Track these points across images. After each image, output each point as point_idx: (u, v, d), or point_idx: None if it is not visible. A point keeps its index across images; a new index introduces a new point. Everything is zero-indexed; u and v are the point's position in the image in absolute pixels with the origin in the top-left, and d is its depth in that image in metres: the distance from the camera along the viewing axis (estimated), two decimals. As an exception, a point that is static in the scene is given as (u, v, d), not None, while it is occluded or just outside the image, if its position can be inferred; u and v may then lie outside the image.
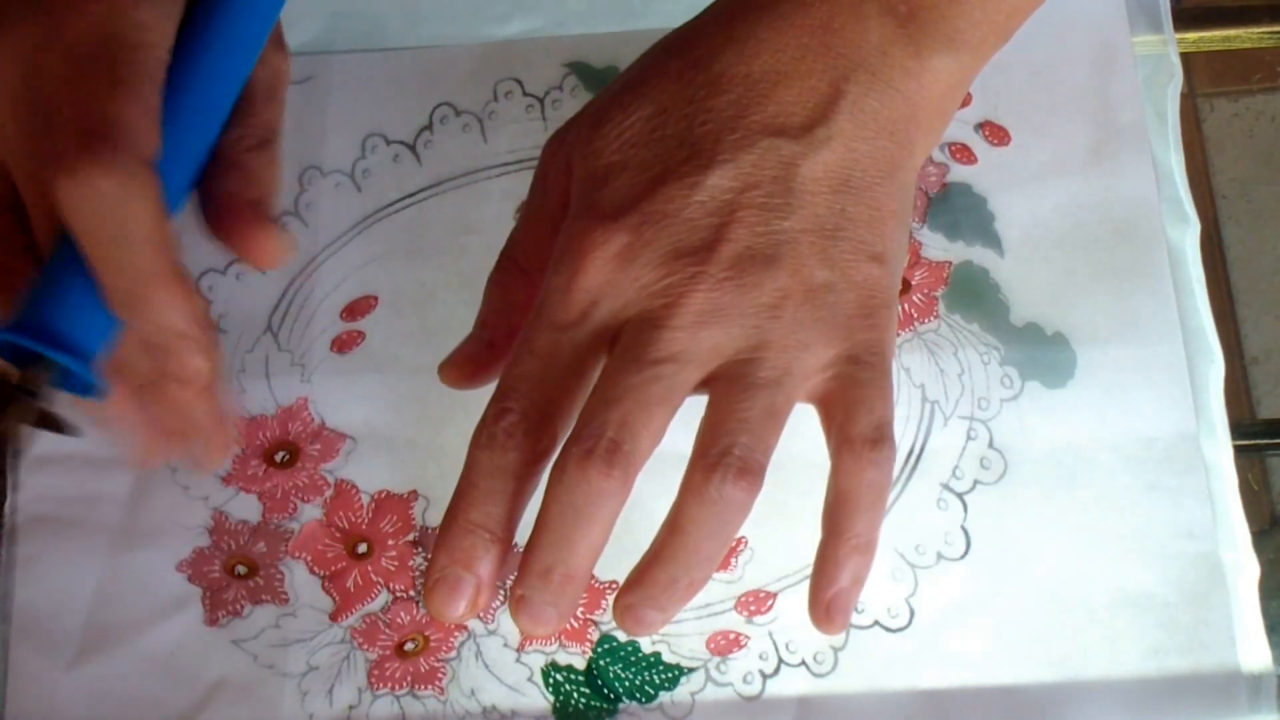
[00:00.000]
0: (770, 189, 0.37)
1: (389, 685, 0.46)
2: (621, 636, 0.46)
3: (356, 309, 0.50)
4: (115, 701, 0.46)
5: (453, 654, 0.47)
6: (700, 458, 0.36)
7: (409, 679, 0.46)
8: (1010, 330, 0.49)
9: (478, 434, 0.37)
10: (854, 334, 0.37)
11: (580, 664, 0.46)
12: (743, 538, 0.47)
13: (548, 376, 0.37)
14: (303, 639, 0.47)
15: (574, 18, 0.54)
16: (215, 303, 0.51)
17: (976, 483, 0.48)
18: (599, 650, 0.46)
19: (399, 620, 0.47)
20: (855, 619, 0.46)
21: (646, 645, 0.46)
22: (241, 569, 0.47)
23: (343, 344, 0.50)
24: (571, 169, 0.39)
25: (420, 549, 0.48)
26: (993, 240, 0.50)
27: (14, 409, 0.34)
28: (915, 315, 0.50)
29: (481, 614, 0.46)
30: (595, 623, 0.47)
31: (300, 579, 0.47)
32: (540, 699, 0.46)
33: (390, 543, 0.48)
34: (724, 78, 0.38)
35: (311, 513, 0.48)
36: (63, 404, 0.36)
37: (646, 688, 0.46)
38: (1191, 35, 0.56)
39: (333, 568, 0.47)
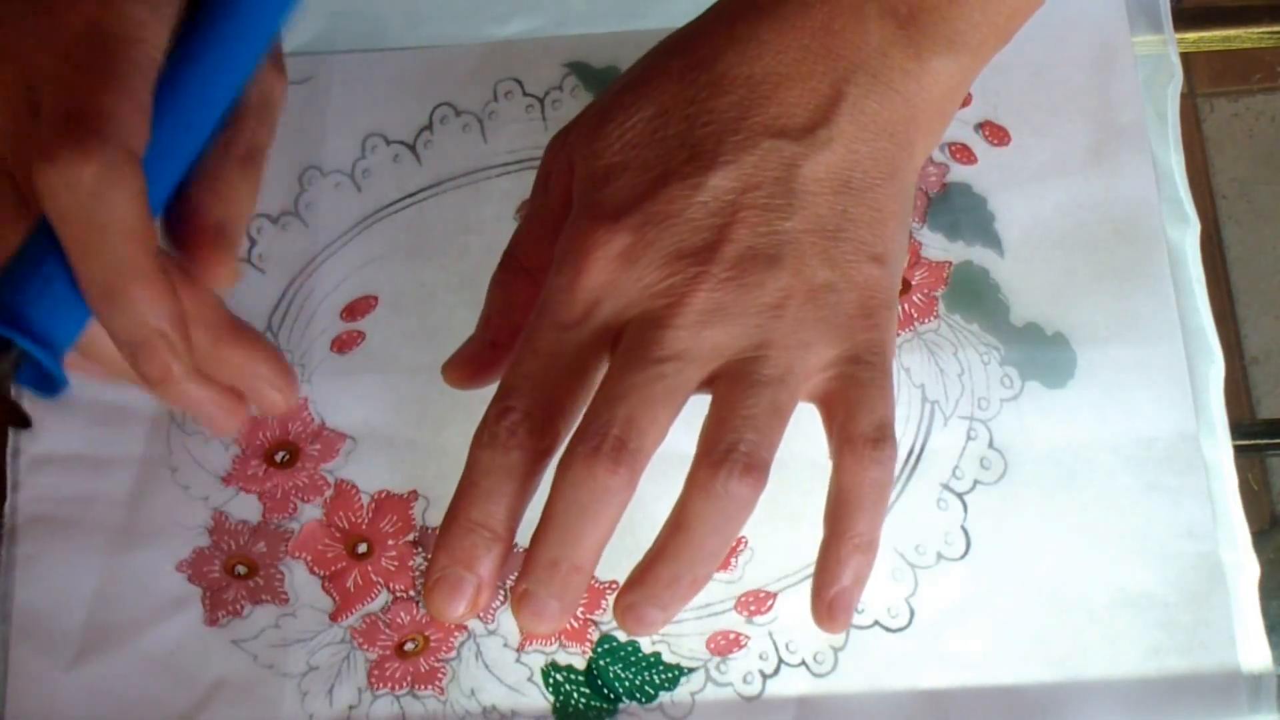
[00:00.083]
0: (772, 190, 0.37)
1: (389, 685, 0.46)
2: (621, 636, 0.46)
3: (356, 309, 0.50)
4: (115, 701, 0.46)
5: (453, 654, 0.47)
6: (706, 454, 0.36)
7: (409, 679, 0.46)
8: (1010, 330, 0.49)
9: (480, 433, 0.37)
10: (855, 334, 0.37)
11: (580, 664, 0.46)
12: (743, 538, 0.47)
13: (550, 376, 0.37)
14: (303, 639, 0.47)
15: (574, 18, 0.54)
16: (215, 303, 0.51)
17: (976, 483, 0.48)
18: (599, 650, 0.46)
19: (399, 620, 0.47)
20: (855, 619, 0.46)
21: (646, 645, 0.46)
22: (241, 569, 0.47)
23: (343, 344, 0.50)
24: (574, 169, 0.39)
25: (420, 549, 0.48)
26: (993, 240, 0.50)
27: None
28: (915, 315, 0.50)
29: (482, 614, 0.46)
30: (595, 623, 0.47)
31: (300, 579, 0.47)
32: (540, 699, 0.46)
33: (390, 543, 0.48)
34: (726, 79, 0.38)
35: (311, 513, 0.48)
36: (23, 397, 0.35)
37: (646, 688, 0.46)
38: (1191, 35, 0.56)
39: (333, 568, 0.47)
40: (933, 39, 0.39)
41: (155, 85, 0.34)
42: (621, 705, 0.46)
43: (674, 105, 0.38)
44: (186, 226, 0.36)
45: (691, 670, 0.46)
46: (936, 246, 0.50)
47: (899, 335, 0.49)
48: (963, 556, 0.47)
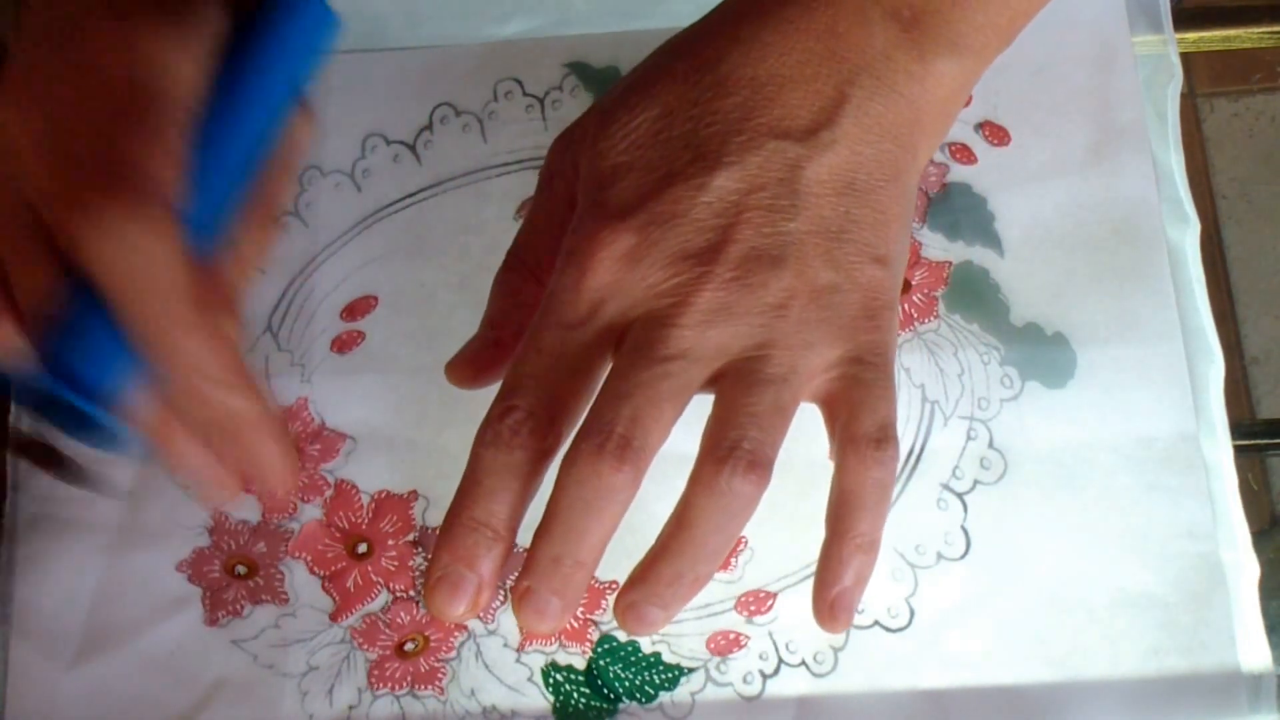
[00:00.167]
0: (776, 191, 0.37)
1: (389, 685, 0.46)
2: (621, 636, 0.46)
3: (356, 309, 0.50)
4: (115, 701, 0.46)
5: (453, 654, 0.47)
6: (709, 451, 0.36)
7: (409, 679, 0.46)
8: (1010, 330, 0.49)
9: (483, 431, 0.37)
10: (858, 335, 0.37)
11: (580, 664, 0.46)
12: (743, 538, 0.47)
13: (554, 375, 0.37)
14: (303, 639, 0.47)
15: (574, 18, 0.54)
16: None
17: (976, 483, 0.48)
18: (599, 650, 0.46)
19: (399, 620, 0.47)
20: (856, 619, 0.46)
21: (646, 645, 0.46)
22: (241, 569, 0.47)
23: (343, 344, 0.50)
24: (578, 169, 0.39)
25: (420, 549, 0.48)
26: (993, 240, 0.50)
27: (44, 461, 0.33)
28: (915, 315, 0.50)
29: (482, 614, 0.46)
30: (595, 623, 0.47)
31: (300, 579, 0.47)
32: (540, 699, 0.46)
33: (390, 543, 0.48)
34: (730, 80, 0.38)
35: (311, 513, 0.48)
36: (100, 462, 0.35)
37: (646, 688, 0.46)
38: (1191, 35, 0.56)
39: (333, 568, 0.47)
40: (936, 41, 0.39)
41: (191, 133, 0.34)
42: (621, 705, 0.46)
43: (678, 106, 0.38)
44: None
45: (691, 670, 0.46)
46: (936, 246, 0.50)
47: (899, 335, 0.49)
48: (963, 556, 0.47)
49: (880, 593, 0.47)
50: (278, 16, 0.38)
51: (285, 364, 0.50)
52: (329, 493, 0.48)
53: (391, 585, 0.47)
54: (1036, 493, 0.47)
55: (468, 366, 0.41)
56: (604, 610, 0.47)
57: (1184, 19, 0.55)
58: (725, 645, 0.46)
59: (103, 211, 0.32)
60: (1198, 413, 0.48)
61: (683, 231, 0.37)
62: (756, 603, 0.47)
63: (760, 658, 0.46)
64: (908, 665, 0.46)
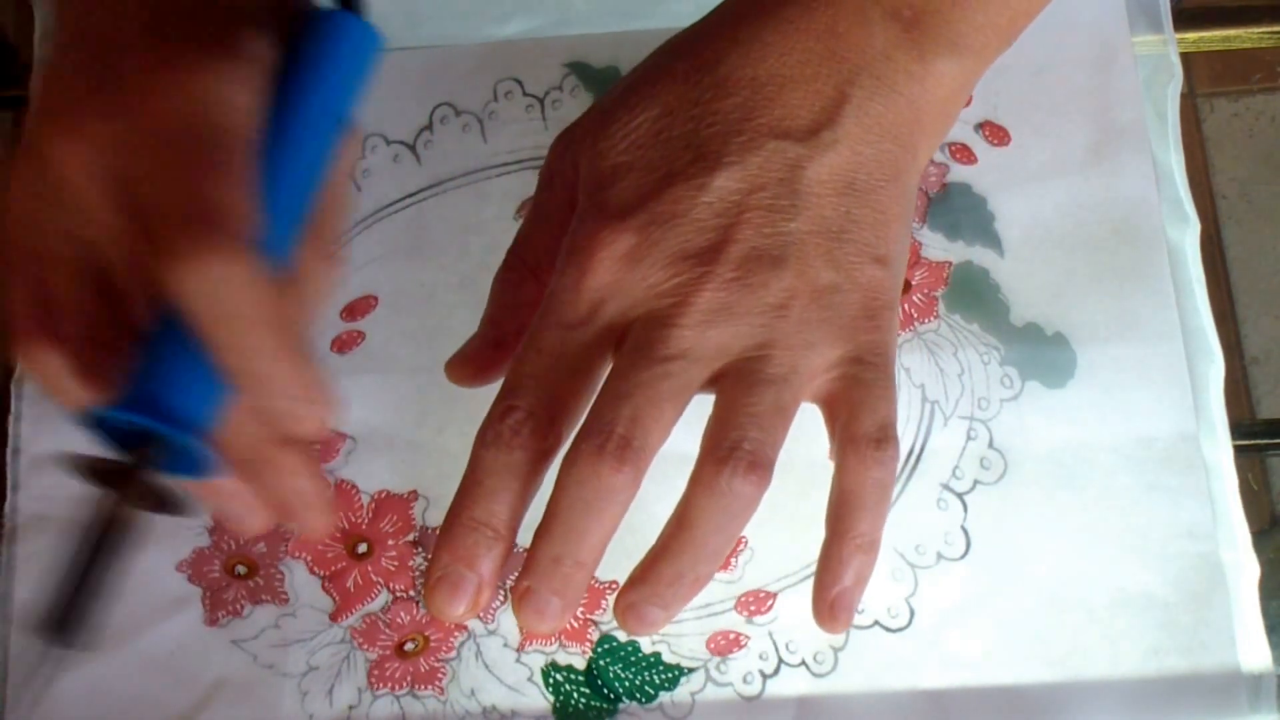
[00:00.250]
0: (776, 191, 0.37)
1: (389, 685, 0.46)
2: (621, 636, 0.46)
3: (356, 309, 0.50)
4: (115, 701, 0.46)
5: (453, 654, 0.47)
6: (710, 452, 0.36)
7: (409, 679, 0.46)
8: (1010, 330, 0.49)
9: (483, 431, 0.37)
10: (858, 335, 0.37)
11: (580, 664, 0.46)
12: (743, 538, 0.47)
13: (554, 375, 0.37)
14: (303, 639, 0.47)
15: (574, 18, 0.54)
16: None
17: (976, 483, 0.48)
18: (599, 650, 0.46)
19: (399, 620, 0.47)
20: (856, 619, 0.46)
21: (646, 645, 0.46)
22: (241, 569, 0.47)
23: (343, 344, 0.50)
24: (578, 168, 0.39)
25: (420, 549, 0.48)
26: (993, 240, 0.50)
27: (131, 491, 0.34)
28: (915, 315, 0.50)
29: (482, 614, 0.46)
30: (595, 623, 0.47)
31: (300, 579, 0.47)
32: (540, 699, 0.46)
33: (390, 543, 0.48)
34: (730, 80, 0.38)
35: (312, 513, 0.48)
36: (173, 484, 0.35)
37: (646, 688, 0.46)
38: (1191, 35, 0.56)
39: (333, 568, 0.47)
40: (936, 41, 0.39)
41: (255, 165, 0.35)
42: (621, 705, 0.46)
43: (679, 106, 0.38)
44: None
45: (691, 670, 0.46)
46: (936, 246, 0.50)
47: (899, 335, 0.49)
48: (963, 556, 0.47)
49: (880, 593, 0.47)
50: (324, 40, 0.38)
51: (285, 364, 0.50)
52: (329, 493, 0.48)
53: (391, 585, 0.47)
54: (1036, 493, 0.47)
55: (467, 365, 0.41)
56: (604, 610, 0.47)
57: (1184, 19, 0.55)
58: (725, 645, 0.46)
59: (187, 254, 0.32)
60: (1198, 413, 0.48)
61: (683, 231, 0.37)
62: (756, 603, 0.47)
63: (760, 658, 0.46)
64: (908, 665, 0.46)
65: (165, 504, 0.35)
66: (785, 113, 0.38)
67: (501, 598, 0.47)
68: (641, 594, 0.37)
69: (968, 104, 0.52)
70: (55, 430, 0.49)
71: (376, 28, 0.39)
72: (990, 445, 0.48)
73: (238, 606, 0.47)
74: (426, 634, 0.47)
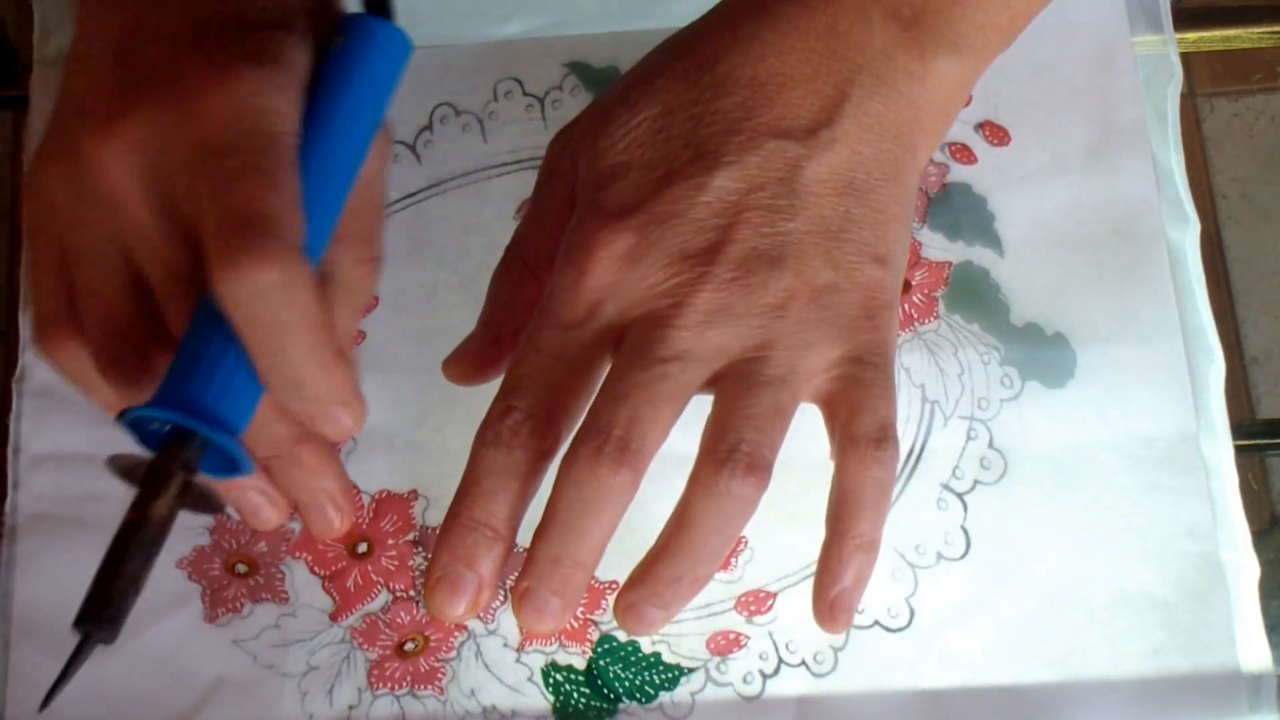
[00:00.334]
0: (775, 190, 0.37)
1: (389, 685, 0.46)
2: (621, 636, 0.46)
3: (357, 309, 0.50)
4: (115, 700, 0.46)
5: (453, 654, 0.47)
6: (708, 453, 0.36)
7: (409, 679, 0.46)
8: (1010, 330, 0.49)
9: (482, 432, 0.37)
10: (857, 335, 0.37)
11: (580, 664, 0.46)
12: (743, 538, 0.47)
13: (553, 375, 0.37)
14: (303, 639, 0.47)
15: (574, 18, 0.54)
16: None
17: (976, 483, 0.48)
18: (599, 650, 0.46)
19: (399, 620, 0.47)
20: (856, 619, 0.46)
21: (646, 645, 0.46)
22: (242, 567, 0.48)
23: (343, 344, 0.50)
24: (577, 167, 0.39)
25: (420, 549, 0.48)
26: (993, 240, 0.50)
27: (172, 489, 0.34)
28: (915, 315, 0.50)
29: (482, 614, 0.46)
30: (595, 623, 0.47)
31: (300, 579, 0.47)
32: (540, 699, 0.46)
33: (390, 542, 0.48)
34: (730, 79, 0.38)
35: (312, 512, 0.48)
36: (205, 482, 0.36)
37: (646, 688, 0.46)
38: (1191, 35, 0.56)
39: (333, 567, 0.47)
40: (936, 41, 0.39)
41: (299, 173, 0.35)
42: (621, 705, 0.46)
43: (678, 105, 0.38)
44: None
45: (691, 670, 0.46)
46: (936, 246, 0.50)
47: (899, 335, 0.49)
48: (963, 556, 0.47)
49: (880, 593, 0.47)
50: (357, 45, 0.38)
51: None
52: (329, 492, 0.48)
53: (391, 585, 0.47)
54: (1036, 493, 0.47)
55: (465, 363, 0.41)
56: (604, 610, 0.47)
57: (1184, 19, 0.55)
58: (725, 645, 0.46)
59: (241, 262, 0.32)
60: (1198, 413, 0.48)
61: (682, 231, 0.37)
62: (756, 603, 0.47)
63: (760, 658, 0.46)
64: (908, 665, 0.46)
65: (201, 503, 0.35)
66: (784, 112, 0.38)
67: (501, 598, 0.47)
68: (641, 594, 0.37)
69: (968, 104, 0.52)
70: (55, 429, 0.49)
71: (407, 33, 0.39)
72: (990, 445, 0.48)
73: (238, 605, 0.47)
74: (426, 634, 0.47)
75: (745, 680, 0.46)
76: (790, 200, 0.37)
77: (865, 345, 0.38)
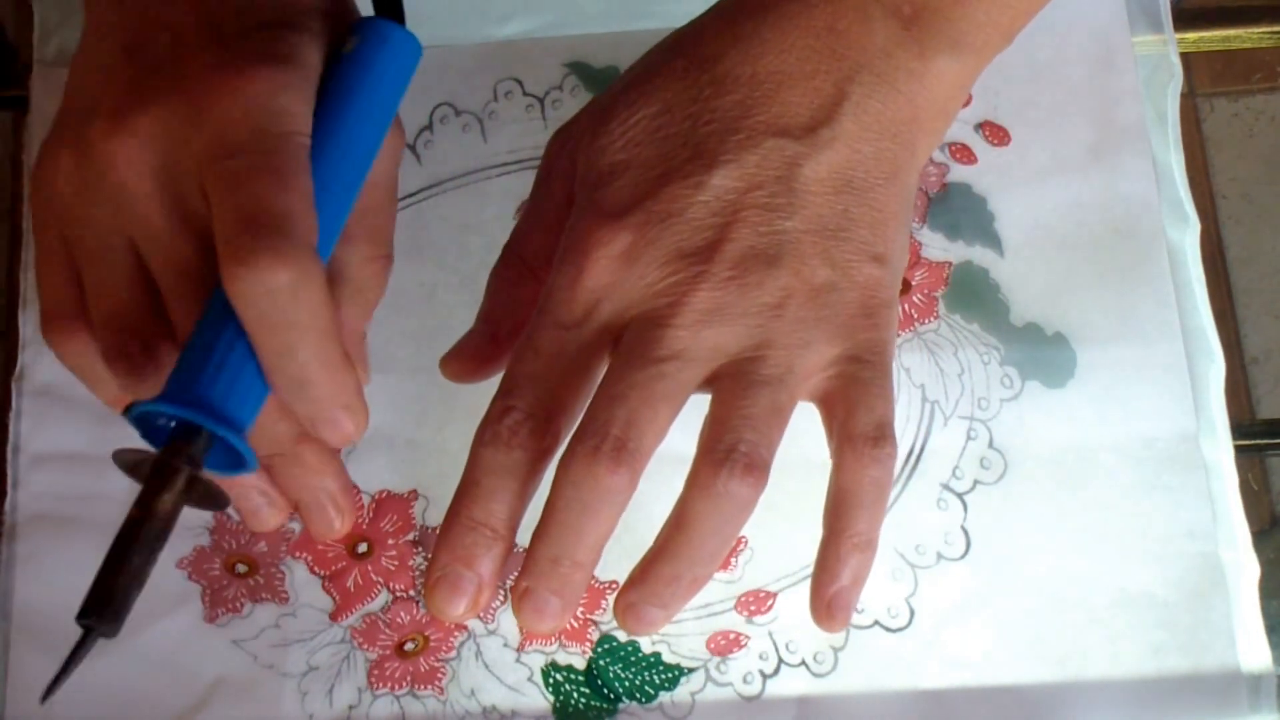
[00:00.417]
0: (773, 189, 0.37)
1: (389, 685, 0.46)
2: (621, 636, 0.46)
3: (357, 309, 0.50)
4: (115, 700, 0.46)
5: (453, 654, 0.47)
6: (706, 453, 0.36)
7: (409, 679, 0.46)
8: (1010, 330, 0.49)
9: (481, 431, 0.37)
10: (855, 333, 0.37)
11: (580, 664, 0.46)
12: (743, 538, 0.47)
13: (552, 374, 0.37)
14: (303, 639, 0.47)
15: (574, 18, 0.54)
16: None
17: (976, 483, 0.48)
18: (599, 650, 0.46)
19: (399, 620, 0.47)
20: (855, 619, 0.46)
21: (646, 645, 0.46)
22: (242, 567, 0.48)
23: (343, 344, 0.50)
24: (575, 166, 0.39)
25: (420, 549, 0.48)
26: (993, 240, 0.50)
27: (177, 485, 0.34)
28: (915, 315, 0.50)
29: (482, 613, 0.46)
30: (595, 623, 0.47)
31: (300, 578, 0.47)
32: (540, 699, 0.46)
33: (390, 542, 0.48)
34: (728, 78, 0.38)
35: (312, 512, 0.48)
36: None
37: (646, 688, 0.46)
38: (1191, 35, 0.56)
39: (333, 567, 0.47)
40: (936, 39, 0.39)
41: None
42: (621, 705, 0.46)
43: (677, 103, 0.38)
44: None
45: (691, 670, 0.46)
46: (936, 246, 0.50)
47: (899, 335, 0.49)
48: (963, 556, 0.47)
49: (880, 593, 0.47)
50: (369, 48, 0.38)
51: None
52: (329, 492, 0.48)
53: (391, 585, 0.47)
54: (1036, 493, 0.47)
55: (462, 361, 0.41)
56: (604, 610, 0.47)
57: (1184, 19, 0.55)
58: (725, 645, 0.46)
59: (255, 261, 0.33)
60: (1198, 413, 0.48)
61: (680, 230, 0.37)
62: (756, 603, 0.47)
63: (760, 658, 0.46)
64: (908, 665, 0.46)
65: (206, 498, 0.35)
66: (783, 110, 0.38)
67: (501, 598, 0.47)
68: (640, 594, 0.37)
69: (967, 104, 0.52)
70: (55, 428, 0.49)
71: (416, 36, 0.40)
72: (990, 445, 0.48)
73: (238, 604, 0.47)
74: (426, 634, 0.47)
75: (745, 680, 0.46)
76: (788, 199, 0.37)
77: (863, 344, 0.38)
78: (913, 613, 0.46)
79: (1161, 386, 0.48)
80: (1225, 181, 1.25)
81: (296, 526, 0.48)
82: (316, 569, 0.47)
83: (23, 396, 0.49)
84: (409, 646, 0.47)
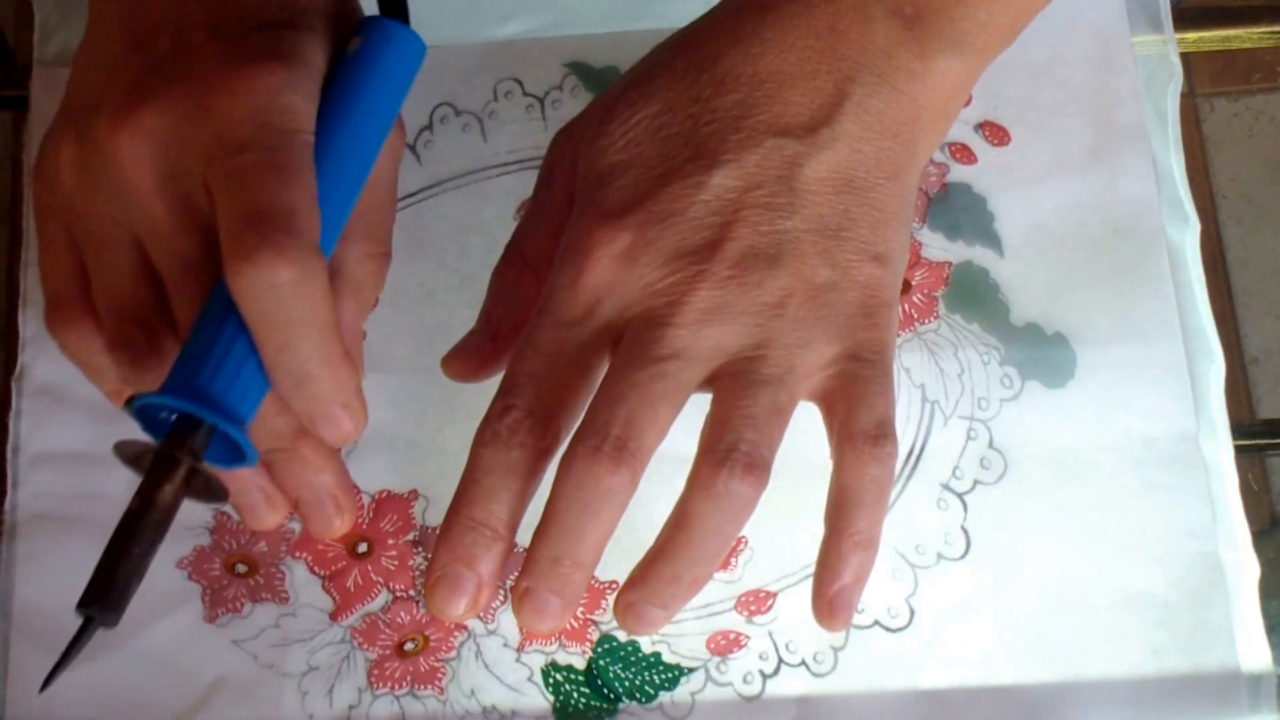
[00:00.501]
0: (774, 188, 0.37)
1: (389, 685, 0.46)
2: (621, 636, 0.46)
3: (357, 308, 0.50)
4: (115, 700, 0.46)
5: (453, 654, 0.47)
6: (707, 453, 0.36)
7: (409, 679, 0.46)
8: (1010, 330, 0.49)
9: (482, 430, 0.37)
10: (856, 333, 0.37)
11: (580, 664, 0.46)
12: (743, 537, 0.47)
13: (552, 374, 0.37)
14: (303, 639, 0.47)
15: (574, 18, 0.54)
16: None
17: (976, 483, 0.48)
18: (599, 650, 0.46)
19: (399, 620, 0.47)
20: (855, 619, 0.46)
21: (646, 645, 0.46)
22: (242, 567, 0.47)
23: (343, 343, 0.50)
24: (576, 166, 0.39)
25: (420, 549, 0.48)
26: (993, 240, 0.50)
27: (178, 477, 0.34)
28: (915, 315, 0.50)
29: (482, 613, 0.46)
30: (595, 623, 0.47)
31: (300, 578, 0.47)
32: (540, 699, 0.46)
33: (390, 542, 0.48)
34: (729, 77, 0.38)
35: (312, 512, 0.48)
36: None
37: (646, 688, 0.46)
38: (1191, 35, 0.56)
39: (333, 567, 0.47)
40: (938, 39, 0.39)
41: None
42: (621, 705, 0.46)
43: (677, 103, 0.38)
44: None
45: (691, 670, 0.46)
46: (936, 246, 0.50)
47: (899, 335, 0.49)
48: (963, 556, 0.47)
49: (880, 593, 0.47)
50: (374, 48, 0.38)
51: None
52: (329, 492, 0.48)
53: (391, 585, 0.47)
54: (1036, 493, 0.47)
55: (463, 360, 0.41)
56: (604, 610, 0.47)
57: (1184, 19, 0.55)
58: (725, 645, 0.46)
59: (259, 258, 0.33)
60: (1198, 413, 0.48)
61: (680, 230, 0.37)
62: (756, 602, 0.47)
63: (760, 658, 0.46)
64: (908, 665, 0.46)
65: (206, 491, 0.35)
66: (784, 110, 0.38)
67: (501, 598, 0.47)
68: (641, 594, 0.37)
69: (968, 104, 0.52)
70: (55, 428, 0.49)
71: (420, 36, 0.40)
72: (990, 445, 0.48)
73: (238, 604, 0.47)
74: (426, 634, 0.47)
75: (745, 680, 0.46)
76: (789, 198, 0.37)
77: (863, 343, 0.38)
78: (913, 613, 0.46)
79: (1161, 386, 0.48)
80: (1225, 181, 1.25)
81: (296, 526, 0.48)
82: (316, 569, 0.47)
83: (23, 396, 0.49)
84: (409, 646, 0.47)
